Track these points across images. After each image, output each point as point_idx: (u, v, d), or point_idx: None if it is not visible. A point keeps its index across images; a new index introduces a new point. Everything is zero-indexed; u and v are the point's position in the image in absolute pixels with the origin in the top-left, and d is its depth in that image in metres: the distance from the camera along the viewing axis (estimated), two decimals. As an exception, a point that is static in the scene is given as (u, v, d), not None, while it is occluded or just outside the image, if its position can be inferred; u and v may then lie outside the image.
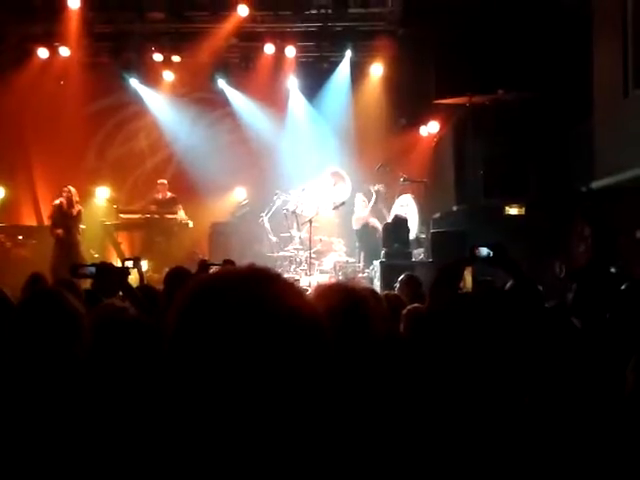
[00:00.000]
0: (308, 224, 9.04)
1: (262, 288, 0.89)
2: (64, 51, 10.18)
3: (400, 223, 8.43)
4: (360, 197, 9.32)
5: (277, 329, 0.86)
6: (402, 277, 4.91)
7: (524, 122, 8.63)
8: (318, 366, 0.89)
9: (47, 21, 9.86)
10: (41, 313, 2.12)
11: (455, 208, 8.76)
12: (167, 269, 9.18)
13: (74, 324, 2.13)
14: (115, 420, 1.90)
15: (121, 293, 3.10)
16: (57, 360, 2.05)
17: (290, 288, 0.92)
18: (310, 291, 1.88)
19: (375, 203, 9.25)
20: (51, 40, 10.11)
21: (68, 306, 2.16)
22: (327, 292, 1.75)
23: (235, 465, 0.86)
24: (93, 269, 3.09)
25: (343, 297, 1.74)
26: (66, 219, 8.81)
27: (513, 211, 8.22)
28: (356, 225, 9.31)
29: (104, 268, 3.13)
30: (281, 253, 9.28)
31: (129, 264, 3.92)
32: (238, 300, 0.87)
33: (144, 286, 3.92)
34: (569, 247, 7.92)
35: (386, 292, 3.42)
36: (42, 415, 1.92)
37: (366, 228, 9.22)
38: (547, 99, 8.46)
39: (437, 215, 8.76)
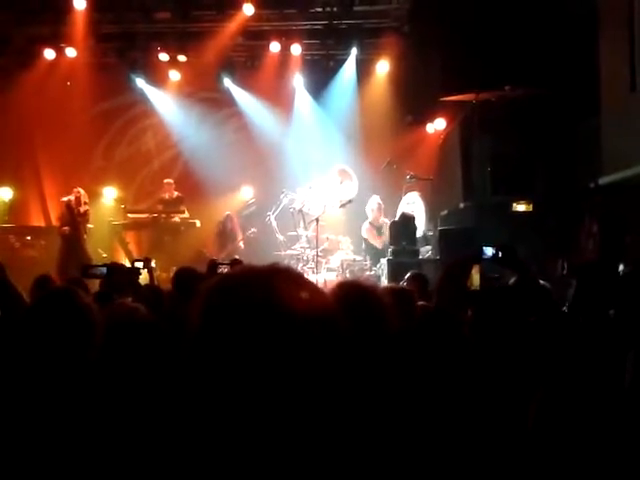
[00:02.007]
0: (315, 222, 9.03)
1: (284, 286, 0.91)
2: (71, 52, 10.22)
3: (407, 221, 8.41)
4: (376, 200, 9.18)
5: (297, 327, 0.88)
6: (408, 275, 4.91)
7: (531, 118, 8.59)
8: (337, 362, 0.91)
9: (53, 22, 9.90)
10: (56, 312, 2.13)
11: (462, 205, 8.73)
12: (174, 268, 9.23)
13: (88, 323, 2.14)
14: (126, 419, 1.91)
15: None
16: (70, 360, 2.06)
17: (310, 287, 0.94)
18: (325, 288, 1.91)
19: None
20: (58, 41, 10.15)
21: (82, 305, 2.17)
22: (343, 289, 1.77)
23: (256, 459, 0.86)
24: (104, 269, 3.12)
25: (358, 294, 1.76)
26: (73, 218, 8.86)
27: (520, 208, 8.18)
28: (366, 234, 9.16)
29: (115, 268, 3.16)
30: (288, 252, 9.28)
31: (139, 265, 3.95)
32: (260, 298, 0.89)
33: (150, 286, 3.94)
34: (577, 244, 7.88)
35: (398, 287, 3.41)
36: (53, 415, 1.93)
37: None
38: (554, 95, 8.41)
39: (444, 212, 8.74)
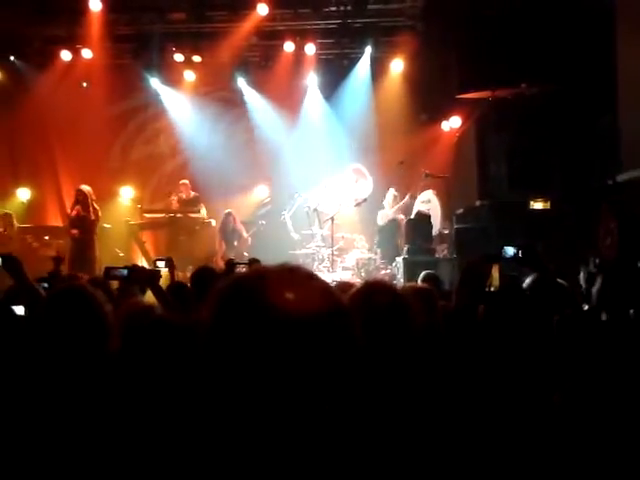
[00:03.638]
0: (330, 221, 9.04)
1: (295, 286, 0.92)
2: (87, 53, 10.30)
3: (422, 219, 8.39)
4: (392, 192, 9.26)
5: (306, 326, 0.89)
6: (422, 275, 4.90)
7: (548, 115, 8.51)
8: (348, 361, 0.91)
9: (70, 24, 9.99)
10: (66, 309, 2.15)
11: (478, 203, 8.68)
12: (191, 267, 9.30)
13: (100, 322, 2.15)
14: (140, 417, 1.92)
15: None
16: (84, 357, 2.08)
17: (321, 286, 0.94)
18: (352, 288, 1.92)
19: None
20: (74, 42, 10.24)
21: (93, 302, 2.19)
22: (370, 289, 1.78)
23: (272, 454, 0.87)
24: (125, 271, 3.14)
25: (385, 294, 1.77)
26: (82, 221, 8.88)
27: (538, 205, 8.10)
28: (381, 220, 9.27)
29: (136, 271, 3.18)
30: (303, 250, 9.30)
31: (161, 264, 3.97)
32: (271, 297, 0.89)
33: (177, 284, 3.95)
34: (595, 241, 7.81)
35: (421, 286, 3.40)
36: (67, 412, 1.95)
37: (391, 224, 9.20)
38: (571, 92, 8.33)
39: (460, 211, 8.70)
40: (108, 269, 3.28)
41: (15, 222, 9.78)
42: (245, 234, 9.89)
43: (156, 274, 3.22)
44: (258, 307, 0.89)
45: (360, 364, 0.92)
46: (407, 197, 9.19)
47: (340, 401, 0.89)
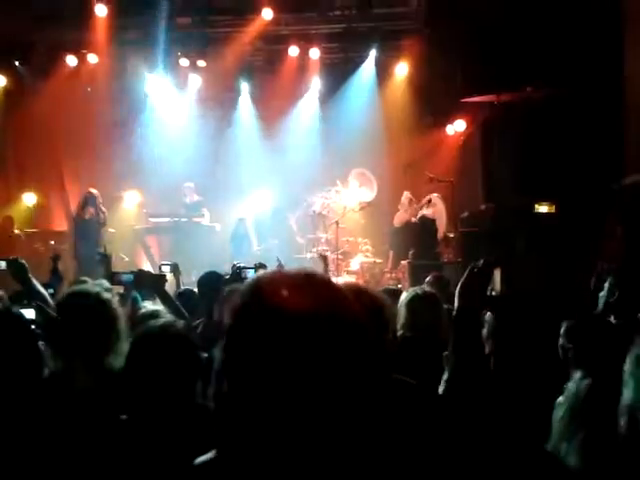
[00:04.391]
0: (334, 225, 9.05)
1: (313, 291, 0.94)
2: (92, 58, 10.34)
3: (427, 223, 8.39)
4: (407, 195, 9.22)
5: (323, 330, 0.90)
6: (429, 277, 4.89)
7: (553, 119, 8.50)
8: (365, 363, 0.92)
9: (75, 29, 10.02)
10: (81, 313, 2.15)
11: (483, 207, 8.67)
12: (195, 271, 9.31)
13: (111, 325, 2.15)
14: (148, 422, 1.92)
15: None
16: (96, 360, 2.08)
17: (338, 291, 0.96)
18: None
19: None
20: (79, 48, 10.29)
21: (107, 307, 2.19)
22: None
23: (294, 460, 0.88)
24: (131, 277, 3.14)
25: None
26: (86, 226, 8.90)
27: (543, 209, 8.08)
28: (397, 222, 9.22)
29: (141, 275, 3.18)
30: (308, 254, 9.30)
31: (166, 269, 3.97)
32: (290, 302, 0.90)
33: (186, 290, 3.96)
34: (601, 246, 7.78)
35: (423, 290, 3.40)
36: (77, 416, 1.95)
37: (406, 227, 9.17)
38: (576, 95, 8.32)
39: (465, 214, 8.68)
40: (113, 274, 3.28)
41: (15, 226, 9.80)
42: (255, 241, 9.89)
43: (162, 279, 3.23)
44: (277, 311, 0.90)
45: (373, 366, 0.94)
46: (424, 201, 9.10)
47: (355, 403, 0.90)
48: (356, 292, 1.78)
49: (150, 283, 3.08)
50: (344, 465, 0.89)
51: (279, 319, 0.90)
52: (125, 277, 3.18)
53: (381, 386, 0.94)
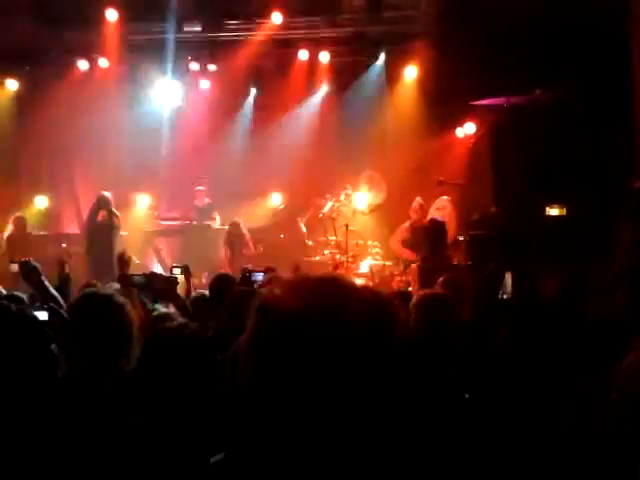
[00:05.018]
0: (344, 228, 9.06)
1: (341, 293, 0.94)
2: (103, 62, 10.41)
3: (437, 226, 8.36)
4: (418, 200, 9.14)
5: (357, 332, 0.91)
6: (441, 280, 4.88)
7: (563, 121, 8.47)
8: (388, 364, 0.93)
9: (86, 33, 10.11)
10: (94, 316, 2.17)
11: (494, 210, 8.65)
12: (206, 274, 9.33)
13: (125, 329, 2.17)
14: (159, 426, 1.93)
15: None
16: (108, 364, 2.10)
17: (360, 294, 0.96)
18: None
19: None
20: (90, 52, 10.36)
21: (121, 310, 2.21)
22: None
23: (320, 461, 0.88)
24: (142, 279, 3.17)
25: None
26: (99, 229, 8.92)
27: (554, 212, 8.06)
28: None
29: (153, 278, 3.21)
30: (317, 257, 9.31)
31: (177, 272, 3.99)
32: (318, 305, 0.91)
33: (199, 295, 3.98)
34: (612, 248, 7.74)
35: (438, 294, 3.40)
36: (89, 419, 1.97)
37: (416, 230, 9.13)
38: (586, 97, 8.29)
39: (475, 217, 8.66)
40: (124, 276, 3.31)
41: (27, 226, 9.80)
42: (251, 244, 9.87)
43: (173, 281, 3.25)
44: (300, 316, 0.90)
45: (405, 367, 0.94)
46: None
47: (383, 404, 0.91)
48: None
49: (161, 285, 3.10)
50: (364, 466, 0.90)
51: (302, 324, 0.90)
52: (137, 279, 3.20)
53: (400, 388, 0.95)
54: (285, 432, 0.89)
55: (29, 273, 3.19)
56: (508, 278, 5.30)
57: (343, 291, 0.95)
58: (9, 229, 9.37)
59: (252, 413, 0.91)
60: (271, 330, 0.92)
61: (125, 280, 3.31)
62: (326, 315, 0.91)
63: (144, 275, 3.28)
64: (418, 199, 9.06)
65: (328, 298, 0.93)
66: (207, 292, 4.10)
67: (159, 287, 3.12)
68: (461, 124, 9.89)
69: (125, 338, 2.16)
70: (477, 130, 9.85)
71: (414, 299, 3.31)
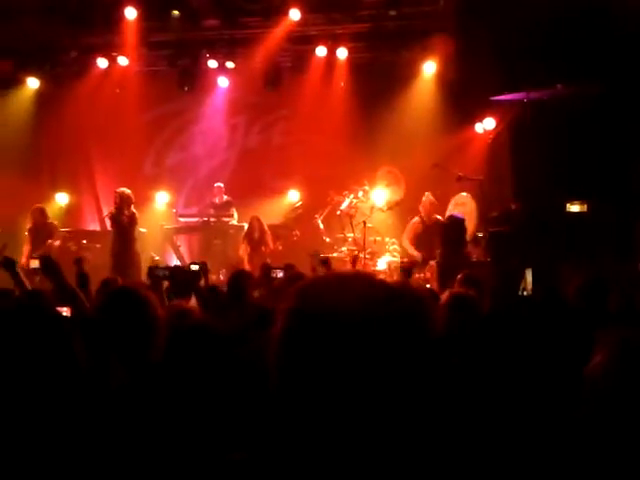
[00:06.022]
0: (362, 225, 9.03)
1: (374, 289, 0.94)
2: (122, 60, 10.49)
3: (456, 222, 8.30)
4: (428, 196, 9.12)
5: (384, 327, 0.90)
6: (460, 276, 4.85)
7: (584, 116, 8.37)
8: (430, 359, 0.92)
9: (105, 32, 10.18)
10: (121, 311, 2.18)
11: (513, 206, 8.57)
12: (224, 270, 9.36)
13: (152, 324, 2.18)
14: (182, 419, 1.94)
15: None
16: (135, 358, 2.11)
17: (391, 291, 0.95)
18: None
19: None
20: (109, 50, 10.44)
21: (149, 304, 2.22)
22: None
23: (352, 458, 0.87)
24: (167, 272, 3.22)
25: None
26: (119, 226, 8.95)
27: (575, 208, 7.96)
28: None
29: (177, 271, 3.25)
30: (335, 254, 9.30)
31: (194, 268, 4.02)
32: (349, 302, 0.90)
33: (213, 287, 4.00)
34: (634, 245, 7.64)
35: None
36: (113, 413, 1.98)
37: (434, 226, 9.08)
38: (608, 92, 8.18)
39: (495, 214, 8.59)
40: (151, 268, 3.37)
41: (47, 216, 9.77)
42: (271, 240, 9.87)
43: (197, 275, 3.27)
44: (331, 315, 0.89)
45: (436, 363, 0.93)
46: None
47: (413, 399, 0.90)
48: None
49: (185, 279, 3.12)
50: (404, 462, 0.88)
51: (334, 322, 0.89)
52: (162, 272, 3.25)
53: (436, 386, 0.93)
54: (316, 431, 0.88)
55: (48, 268, 3.22)
56: (529, 275, 5.26)
57: (375, 287, 0.94)
58: (30, 221, 9.42)
59: (283, 411, 0.90)
60: (304, 327, 0.91)
61: (149, 272, 3.35)
62: (359, 312, 0.89)
63: (168, 268, 3.32)
64: (428, 195, 9.03)
65: (361, 295, 0.91)
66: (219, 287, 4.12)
67: (182, 280, 3.15)
68: (480, 119, 9.81)
69: (152, 332, 2.17)
70: (497, 125, 9.76)
71: (445, 297, 3.28)
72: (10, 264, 3.34)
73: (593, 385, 1.61)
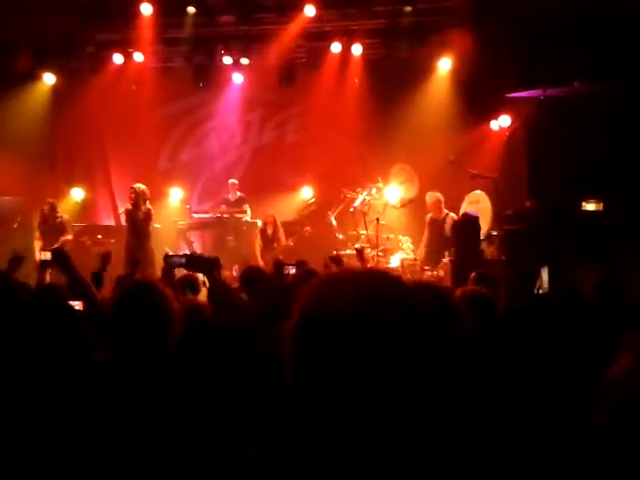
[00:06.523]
0: (375, 222, 9.01)
1: (392, 286, 0.93)
2: (138, 56, 10.53)
3: (470, 220, 8.26)
4: (436, 196, 9.12)
5: (398, 328, 0.89)
6: (473, 275, 4.82)
7: (601, 114, 8.28)
8: (442, 360, 0.92)
9: (121, 28, 10.24)
10: (138, 305, 2.19)
11: (528, 204, 8.50)
12: (236, 267, 9.37)
13: (168, 318, 2.18)
14: (195, 414, 1.95)
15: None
16: (148, 354, 2.12)
17: (407, 289, 0.95)
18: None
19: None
20: (125, 46, 10.49)
21: (165, 299, 2.22)
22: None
23: (368, 456, 0.87)
24: (183, 259, 3.21)
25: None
26: (134, 221, 8.98)
27: (590, 207, 7.89)
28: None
29: (194, 258, 3.25)
30: (348, 251, 9.28)
31: None
32: (362, 298, 0.89)
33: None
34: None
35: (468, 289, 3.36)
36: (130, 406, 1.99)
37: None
38: (624, 90, 8.09)
39: (509, 212, 8.53)
40: (168, 256, 3.38)
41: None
42: (283, 238, 9.88)
43: (215, 262, 3.22)
44: (345, 312, 0.89)
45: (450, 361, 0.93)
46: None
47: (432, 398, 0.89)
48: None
49: (203, 266, 3.08)
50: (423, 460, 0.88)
51: (348, 322, 0.88)
52: (179, 260, 3.25)
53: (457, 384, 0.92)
54: (330, 430, 0.87)
55: (60, 261, 3.23)
56: (545, 273, 5.22)
57: (391, 286, 0.93)
58: (39, 217, 9.45)
59: (296, 408, 0.90)
60: (319, 324, 0.90)
61: (166, 260, 3.35)
62: (375, 312, 0.88)
63: (185, 255, 3.33)
64: (437, 194, 9.00)
65: (376, 294, 0.90)
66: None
67: (200, 266, 3.13)
68: (496, 117, 9.74)
69: (168, 328, 2.18)
70: (512, 123, 9.69)
71: (458, 295, 3.26)
72: (17, 261, 3.34)
73: (614, 387, 1.59)
